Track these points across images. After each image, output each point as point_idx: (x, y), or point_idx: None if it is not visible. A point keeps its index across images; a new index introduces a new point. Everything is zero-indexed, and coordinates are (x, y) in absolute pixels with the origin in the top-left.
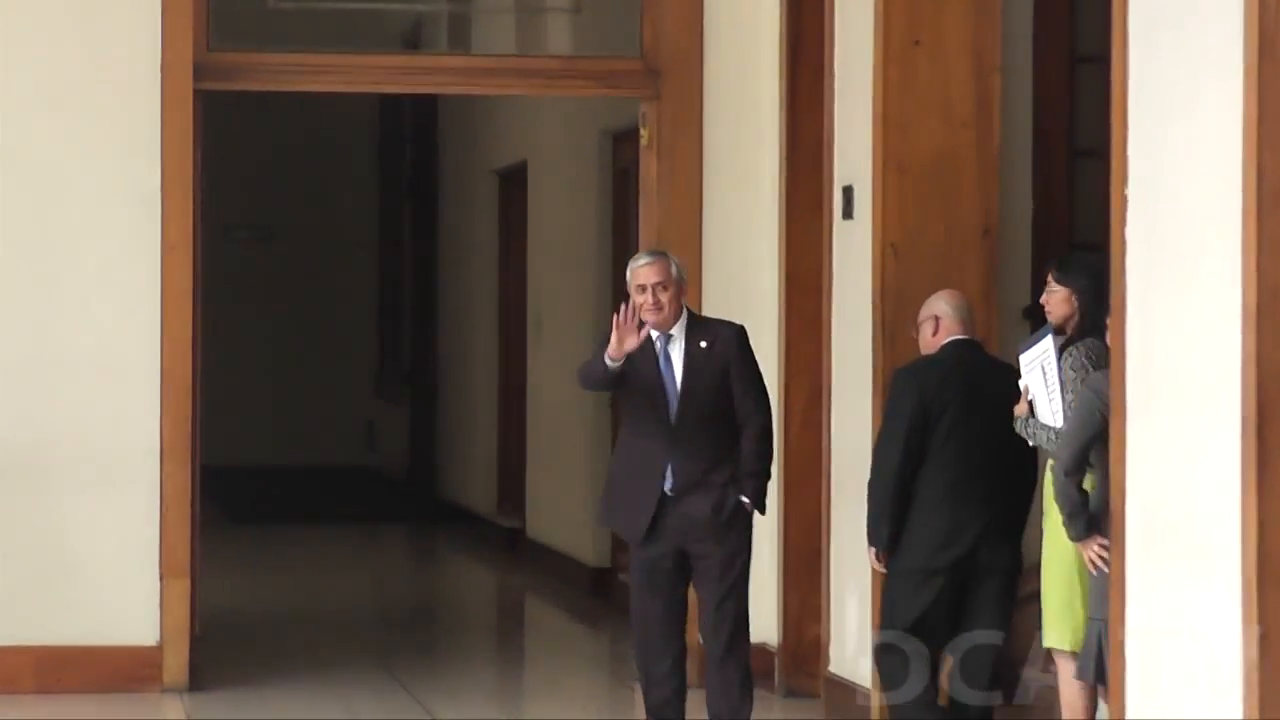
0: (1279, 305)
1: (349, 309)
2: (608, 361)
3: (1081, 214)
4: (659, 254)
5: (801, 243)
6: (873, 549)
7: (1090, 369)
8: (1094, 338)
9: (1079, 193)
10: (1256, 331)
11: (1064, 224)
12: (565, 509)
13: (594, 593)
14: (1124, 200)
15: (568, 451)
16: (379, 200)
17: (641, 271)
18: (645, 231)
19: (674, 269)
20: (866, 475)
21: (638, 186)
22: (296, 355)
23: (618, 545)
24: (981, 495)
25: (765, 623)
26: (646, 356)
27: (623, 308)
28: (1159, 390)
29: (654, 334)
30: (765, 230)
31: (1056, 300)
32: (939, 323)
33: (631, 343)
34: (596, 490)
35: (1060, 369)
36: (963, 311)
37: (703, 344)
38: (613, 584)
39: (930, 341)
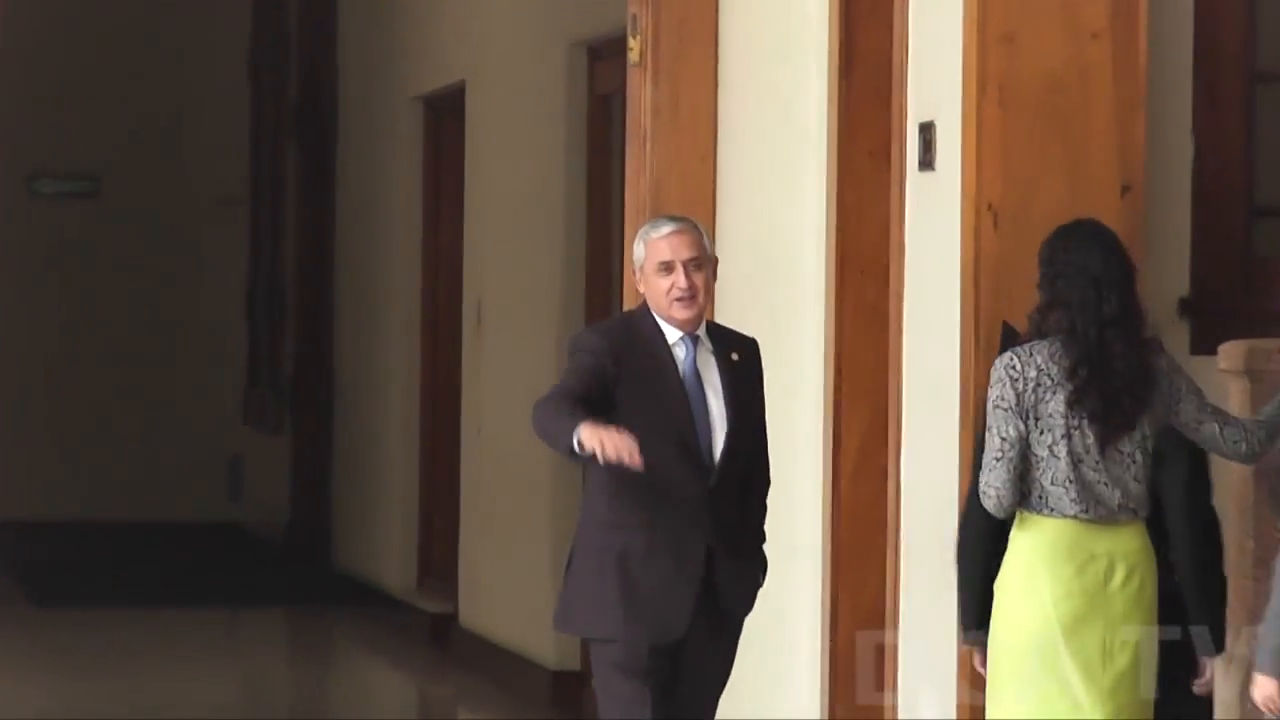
0: None
1: (207, 295)
2: (574, 445)
3: (1265, 163)
4: (685, 220)
5: (860, 205)
6: (967, 638)
7: (1009, 384)
8: (1046, 338)
9: (1260, 133)
10: None
11: (1238, 176)
12: (516, 587)
13: (556, 704)
14: None
15: (522, 504)
16: (252, 139)
17: (665, 243)
18: (634, 185)
19: (707, 242)
20: (951, 537)
21: (623, 121)
22: (130, 362)
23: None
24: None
25: None
26: (663, 372)
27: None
28: None
29: (673, 336)
30: (807, 186)
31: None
32: None
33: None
34: (561, 560)
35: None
36: None
37: (734, 356)
38: (581, 694)
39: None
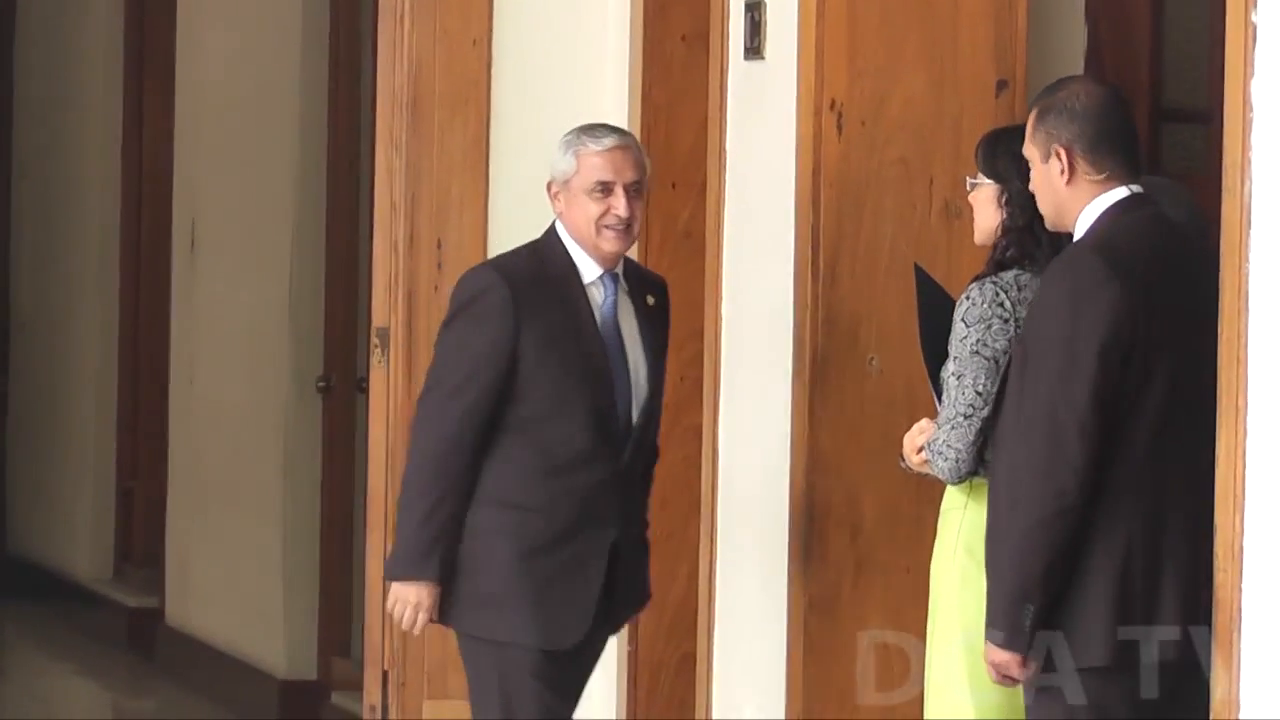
0: None
1: None
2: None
3: (1174, 56)
4: (627, 133)
5: (671, 103)
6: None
7: (999, 327)
8: (1022, 269)
9: (1170, 17)
10: None
11: (1143, 73)
12: (238, 577)
13: None
14: (1251, 33)
15: (246, 474)
16: None
17: (606, 160)
18: (386, 74)
19: (648, 163)
20: (779, 515)
21: None
22: None
23: (330, 643)
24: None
25: None
26: (578, 325)
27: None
28: None
29: (590, 274)
30: (606, 78)
31: (982, 203)
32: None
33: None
34: (297, 545)
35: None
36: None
37: (650, 301)
38: (318, 709)
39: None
